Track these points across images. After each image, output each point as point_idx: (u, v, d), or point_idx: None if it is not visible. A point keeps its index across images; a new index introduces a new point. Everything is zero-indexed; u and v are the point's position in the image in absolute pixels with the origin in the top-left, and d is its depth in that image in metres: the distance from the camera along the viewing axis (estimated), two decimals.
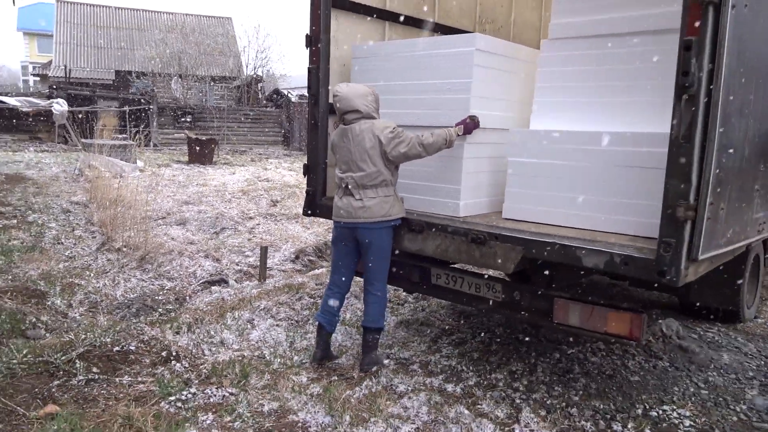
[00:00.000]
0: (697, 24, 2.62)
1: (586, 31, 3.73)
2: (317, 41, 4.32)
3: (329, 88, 4.37)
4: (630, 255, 2.98)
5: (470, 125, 3.86)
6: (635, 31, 3.49)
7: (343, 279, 4.10)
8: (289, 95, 27.53)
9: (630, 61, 3.53)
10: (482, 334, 4.74)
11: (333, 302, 4.08)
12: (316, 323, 4.10)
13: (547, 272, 3.65)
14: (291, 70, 36.02)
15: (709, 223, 2.81)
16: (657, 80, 3.33)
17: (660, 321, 4.70)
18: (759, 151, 3.31)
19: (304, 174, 4.57)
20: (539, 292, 3.56)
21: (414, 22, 5.16)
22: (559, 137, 3.67)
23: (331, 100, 4.11)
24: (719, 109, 2.69)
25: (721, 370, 4.17)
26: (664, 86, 2.89)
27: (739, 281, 4.76)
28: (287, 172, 15.68)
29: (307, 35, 4.38)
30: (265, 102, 29.96)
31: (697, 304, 5.02)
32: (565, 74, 3.84)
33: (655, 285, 4.61)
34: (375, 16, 4.84)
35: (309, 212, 4.59)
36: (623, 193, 3.39)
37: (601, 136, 3.45)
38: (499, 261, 3.47)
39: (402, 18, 4.99)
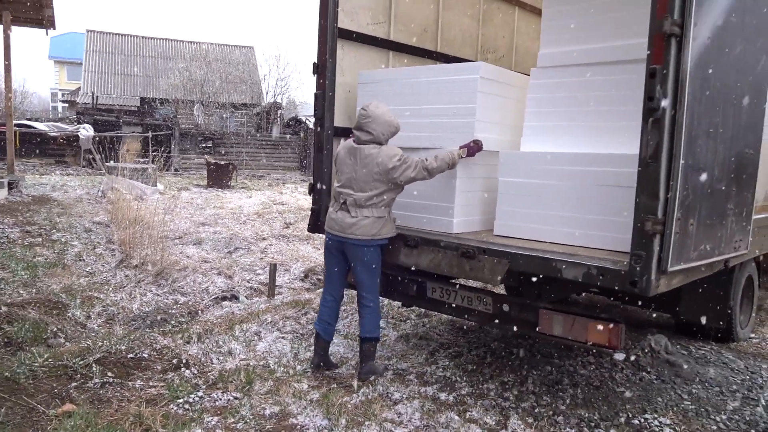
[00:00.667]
0: (660, 54, 2.85)
1: (572, 60, 3.95)
2: (324, 69, 4.59)
3: (334, 112, 4.66)
4: (605, 267, 3.18)
5: (473, 148, 4.07)
6: (616, 60, 3.71)
7: (335, 288, 4.30)
8: (307, 122, 28.02)
9: (612, 88, 3.74)
10: (478, 349, 4.91)
11: (327, 311, 4.28)
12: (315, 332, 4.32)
13: (535, 285, 3.84)
14: (309, 98, 36.62)
15: (678, 237, 3.00)
16: (635, 105, 3.50)
17: (649, 336, 4.84)
18: (730, 172, 3.48)
19: (310, 193, 4.81)
20: (525, 304, 3.75)
21: (417, 51, 5.42)
22: (545, 159, 3.89)
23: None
24: (683, 131, 2.90)
25: (706, 384, 4.29)
26: (641, 111, 3.09)
27: (731, 301, 4.88)
28: (302, 197, 15.99)
29: (314, 63, 4.65)
30: (283, 128, 30.51)
31: (691, 322, 5.12)
32: (553, 100, 4.06)
33: (646, 301, 4.80)
34: (379, 45, 5.12)
35: (314, 229, 4.83)
36: (604, 210, 3.58)
37: (584, 157, 3.67)
38: (487, 273, 3.68)
39: (405, 47, 5.28)
